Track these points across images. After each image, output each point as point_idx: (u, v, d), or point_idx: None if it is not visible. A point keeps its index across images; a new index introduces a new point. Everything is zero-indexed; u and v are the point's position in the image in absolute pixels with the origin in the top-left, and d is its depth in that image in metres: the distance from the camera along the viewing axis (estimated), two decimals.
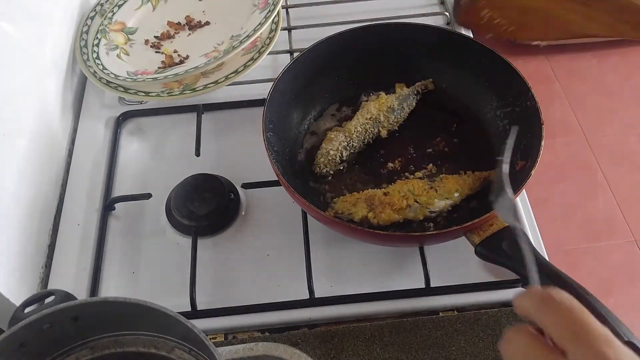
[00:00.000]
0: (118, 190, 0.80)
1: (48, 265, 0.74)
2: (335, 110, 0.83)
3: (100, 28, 0.90)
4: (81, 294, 0.71)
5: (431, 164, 0.77)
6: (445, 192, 0.71)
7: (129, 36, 0.92)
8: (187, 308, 0.68)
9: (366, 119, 0.78)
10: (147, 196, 0.77)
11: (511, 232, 0.65)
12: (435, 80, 0.82)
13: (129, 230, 0.77)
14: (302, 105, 0.81)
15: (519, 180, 0.66)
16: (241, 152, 0.82)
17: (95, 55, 0.87)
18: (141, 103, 0.88)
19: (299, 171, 0.77)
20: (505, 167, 0.56)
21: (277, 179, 0.69)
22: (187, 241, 0.74)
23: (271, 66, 0.91)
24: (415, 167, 0.77)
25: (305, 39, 0.90)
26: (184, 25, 0.94)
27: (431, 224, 0.71)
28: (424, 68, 0.83)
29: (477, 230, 0.65)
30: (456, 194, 0.71)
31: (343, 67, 0.82)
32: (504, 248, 0.64)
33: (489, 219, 0.65)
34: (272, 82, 0.75)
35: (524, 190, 0.67)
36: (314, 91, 0.82)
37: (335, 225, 0.67)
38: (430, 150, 0.79)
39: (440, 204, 0.70)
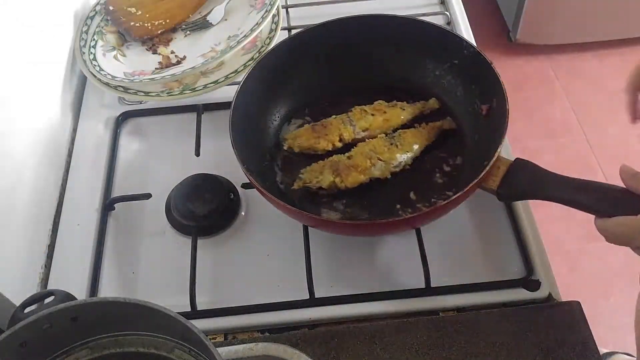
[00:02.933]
0: (118, 190, 0.80)
1: (48, 265, 0.74)
2: (315, 106, 0.82)
3: (97, 30, 0.90)
4: (81, 294, 0.70)
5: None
6: (406, 146, 0.74)
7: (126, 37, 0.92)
8: (187, 308, 0.68)
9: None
10: (147, 196, 0.77)
11: (520, 163, 0.66)
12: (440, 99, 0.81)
13: (128, 230, 0.77)
14: (274, 106, 0.81)
15: (497, 122, 0.68)
16: None
17: (92, 57, 0.87)
18: (141, 103, 0.88)
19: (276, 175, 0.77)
20: None
21: None
22: (187, 241, 0.74)
23: None
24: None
25: None
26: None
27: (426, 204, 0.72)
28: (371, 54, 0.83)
29: (490, 178, 0.66)
30: (416, 146, 0.75)
31: (307, 66, 0.82)
32: (522, 181, 0.65)
33: (495, 164, 0.65)
34: (237, 87, 0.74)
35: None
36: (284, 92, 0.81)
37: (327, 226, 0.67)
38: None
39: (402, 157, 0.74)
